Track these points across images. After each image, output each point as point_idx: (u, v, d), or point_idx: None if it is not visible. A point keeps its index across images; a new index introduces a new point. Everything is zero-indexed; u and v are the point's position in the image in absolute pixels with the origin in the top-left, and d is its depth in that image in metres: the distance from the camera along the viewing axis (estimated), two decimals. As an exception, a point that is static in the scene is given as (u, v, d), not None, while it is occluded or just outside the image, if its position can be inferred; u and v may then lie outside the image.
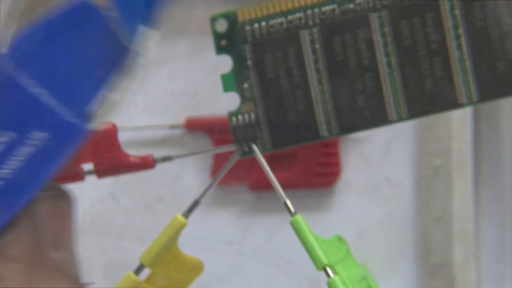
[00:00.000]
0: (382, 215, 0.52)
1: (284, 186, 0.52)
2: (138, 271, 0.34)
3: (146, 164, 0.34)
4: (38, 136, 0.22)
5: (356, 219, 0.52)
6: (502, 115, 0.52)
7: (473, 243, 0.51)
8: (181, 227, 0.34)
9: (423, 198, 0.51)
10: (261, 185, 0.52)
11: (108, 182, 0.52)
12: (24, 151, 0.22)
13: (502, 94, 0.33)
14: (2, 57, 0.21)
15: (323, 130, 0.33)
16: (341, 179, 0.52)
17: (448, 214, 0.51)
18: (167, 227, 0.34)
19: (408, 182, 0.52)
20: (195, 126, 0.53)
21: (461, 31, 0.32)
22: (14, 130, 0.22)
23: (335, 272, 0.33)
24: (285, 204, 0.34)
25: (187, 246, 0.55)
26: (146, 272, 0.35)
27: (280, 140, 0.34)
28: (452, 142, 0.50)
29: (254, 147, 0.34)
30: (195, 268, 0.34)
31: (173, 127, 0.53)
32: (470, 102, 0.33)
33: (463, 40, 0.32)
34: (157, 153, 0.53)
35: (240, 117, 0.34)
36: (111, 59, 0.22)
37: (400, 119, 0.33)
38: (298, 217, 0.34)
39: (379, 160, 0.53)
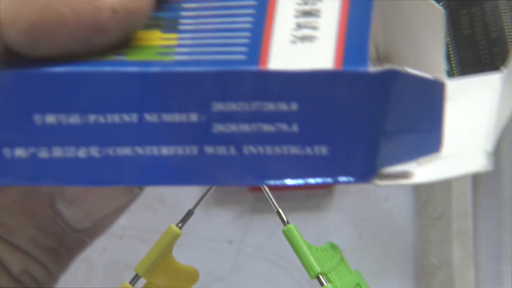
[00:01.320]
0: (381, 215, 0.52)
1: (284, 187, 0.52)
2: (133, 281, 0.35)
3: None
4: (321, 149, 0.21)
5: (355, 219, 0.53)
6: (500, 115, 0.52)
7: (472, 243, 0.51)
8: (176, 237, 0.34)
9: (422, 198, 0.52)
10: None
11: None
12: (291, 150, 0.21)
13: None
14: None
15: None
16: (341, 179, 0.53)
17: (447, 214, 0.51)
18: (161, 237, 0.34)
19: (407, 182, 0.52)
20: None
21: (448, 39, 0.32)
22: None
23: (328, 280, 0.34)
24: (278, 213, 0.34)
25: (187, 245, 0.56)
26: (141, 282, 0.35)
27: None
28: (451, 142, 0.51)
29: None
30: (191, 277, 0.35)
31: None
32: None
33: (450, 48, 0.32)
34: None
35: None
36: None
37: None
38: (291, 226, 0.34)
39: (378, 160, 0.53)
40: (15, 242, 0.22)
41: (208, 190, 0.36)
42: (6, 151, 0.20)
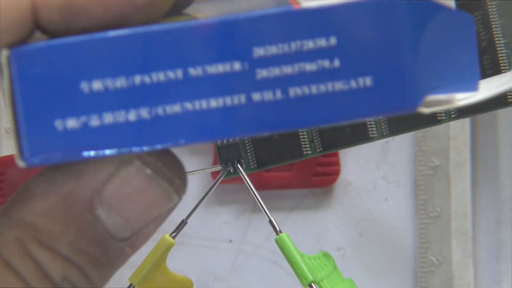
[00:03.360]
0: (380, 214, 0.52)
1: (284, 186, 0.53)
2: (127, 290, 0.35)
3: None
4: (365, 80, 0.21)
5: (354, 218, 0.53)
6: (499, 116, 0.52)
7: (471, 242, 0.51)
8: (169, 247, 0.34)
9: (421, 198, 0.52)
10: (261, 185, 0.52)
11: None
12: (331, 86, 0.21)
13: (482, 110, 0.33)
14: None
15: (307, 149, 0.34)
16: (340, 178, 0.53)
17: (446, 213, 0.51)
18: (155, 247, 0.34)
19: (406, 181, 0.52)
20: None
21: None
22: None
23: (320, 288, 0.34)
24: (270, 222, 0.34)
25: (187, 245, 0.56)
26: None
27: (265, 159, 0.34)
28: (450, 142, 0.51)
29: (239, 167, 0.34)
30: (185, 286, 0.35)
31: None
32: (448, 118, 0.33)
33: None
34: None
35: (224, 137, 0.34)
36: None
37: (381, 136, 0.34)
38: (283, 235, 0.34)
39: (377, 160, 0.53)
40: (56, 247, 0.22)
41: (201, 200, 0.36)
42: (58, 124, 0.20)
